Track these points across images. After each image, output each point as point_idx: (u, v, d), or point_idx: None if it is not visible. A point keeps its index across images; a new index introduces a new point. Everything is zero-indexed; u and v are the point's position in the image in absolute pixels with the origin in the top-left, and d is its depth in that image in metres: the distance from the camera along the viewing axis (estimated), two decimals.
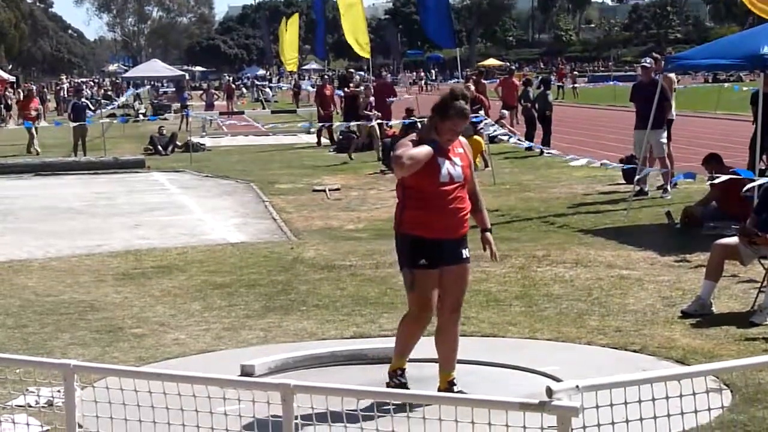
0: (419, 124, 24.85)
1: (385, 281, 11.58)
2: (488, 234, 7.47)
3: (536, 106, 27.47)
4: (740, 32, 15.93)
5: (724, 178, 13.34)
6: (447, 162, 7.09)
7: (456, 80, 45.40)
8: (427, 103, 39.42)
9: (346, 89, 33.99)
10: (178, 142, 31.32)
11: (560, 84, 61.91)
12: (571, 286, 11.08)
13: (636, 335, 8.97)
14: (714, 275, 9.78)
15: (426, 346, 8.08)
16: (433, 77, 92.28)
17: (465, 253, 7.25)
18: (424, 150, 6.98)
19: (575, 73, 77.07)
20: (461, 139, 7.36)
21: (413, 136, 7.23)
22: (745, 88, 36.07)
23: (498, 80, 39.34)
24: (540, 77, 34.05)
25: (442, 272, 7.14)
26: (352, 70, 49.67)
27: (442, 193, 7.06)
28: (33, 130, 31.66)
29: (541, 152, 21.92)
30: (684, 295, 10.31)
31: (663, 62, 18.03)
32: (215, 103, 52.05)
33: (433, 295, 7.15)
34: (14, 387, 6.17)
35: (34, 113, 32.54)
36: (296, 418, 4.42)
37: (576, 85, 64.80)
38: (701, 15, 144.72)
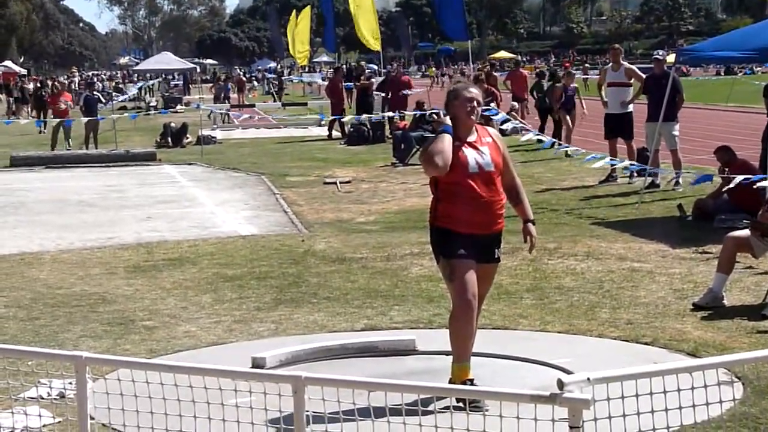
0: (428, 116, 24.88)
1: (396, 274, 11.57)
2: (530, 225, 7.41)
3: (546, 99, 27.41)
4: (752, 24, 15.88)
5: (737, 179, 13.28)
6: (474, 151, 7.02)
7: (468, 74, 45.35)
8: (440, 96, 39.33)
9: (357, 82, 33.96)
10: (188, 135, 31.33)
11: None
12: (583, 278, 11.06)
13: (647, 328, 8.96)
14: (726, 268, 9.76)
15: (438, 338, 8.10)
16: (443, 73, 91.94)
17: (497, 253, 7.22)
18: (442, 140, 6.95)
19: (587, 65, 76.72)
20: (490, 129, 7.31)
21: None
22: (756, 82, 36.01)
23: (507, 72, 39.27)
24: (548, 70, 33.92)
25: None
26: (363, 63, 49.67)
27: (473, 184, 6.97)
28: (61, 124, 30.62)
29: (552, 145, 21.83)
30: (696, 288, 10.29)
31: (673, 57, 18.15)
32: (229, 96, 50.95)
33: (474, 282, 7.03)
34: (26, 379, 6.18)
35: (63, 107, 31.86)
36: (307, 410, 4.43)
37: (587, 77, 64.53)
38: (713, 7, 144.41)
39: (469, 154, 7.00)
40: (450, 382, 7.07)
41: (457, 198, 6.99)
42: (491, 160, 7.06)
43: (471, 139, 7.08)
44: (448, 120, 7.10)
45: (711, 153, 15.90)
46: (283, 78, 70.48)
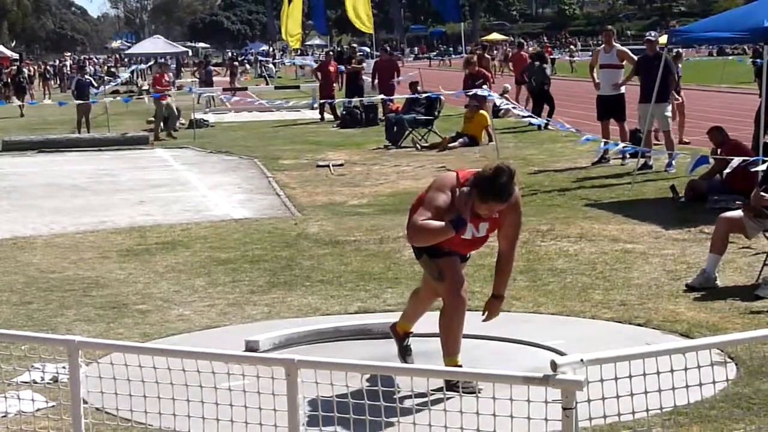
0: (422, 99, 24.86)
1: (389, 256, 11.57)
2: (496, 301, 7.27)
3: (533, 80, 27.41)
4: (744, 5, 15.85)
5: (735, 162, 13.26)
6: (473, 226, 6.85)
7: (461, 55, 45.30)
8: (433, 79, 39.21)
9: (347, 66, 33.90)
10: (182, 120, 31.25)
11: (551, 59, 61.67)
12: (576, 260, 11.07)
13: (640, 309, 8.97)
14: (719, 248, 9.77)
15: (431, 321, 8.08)
16: (441, 53, 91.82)
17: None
18: (444, 234, 6.68)
19: (572, 47, 76.62)
20: (516, 196, 6.89)
21: (446, 187, 6.76)
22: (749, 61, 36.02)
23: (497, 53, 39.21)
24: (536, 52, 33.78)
25: None
26: (354, 45, 49.50)
27: (460, 244, 6.92)
28: (169, 106, 29.22)
29: (544, 126, 21.82)
30: (689, 269, 10.30)
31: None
32: (214, 80, 48.55)
33: (463, 277, 7.04)
34: (19, 363, 6.17)
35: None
36: (300, 393, 4.43)
37: (573, 59, 64.44)
38: None
39: (469, 228, 6.82)
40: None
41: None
42: (487, 231, 6.98)
43: (483, 214, 6.83)
44: (467, 213, 6.67)
45: (704, 134, 15.91)
46: (275, 61, 70.41)
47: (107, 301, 10.05)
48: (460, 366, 6.97)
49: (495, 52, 61.15)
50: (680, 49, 19.92)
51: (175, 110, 29.29)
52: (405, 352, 7.61)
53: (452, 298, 7.00)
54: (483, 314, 7.31)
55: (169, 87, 31.35)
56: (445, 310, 7.07)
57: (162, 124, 29.01)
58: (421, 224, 6.67)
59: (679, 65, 21.91)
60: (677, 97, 20.80)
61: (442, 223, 6.64)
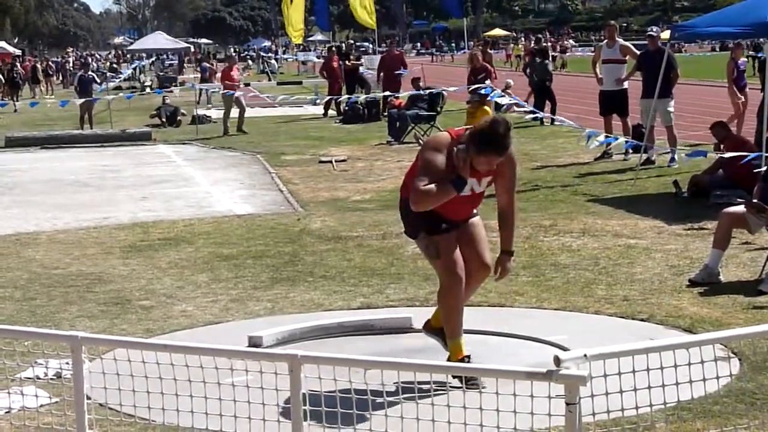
0: (424, 95, 24.84)
1: (392, 252, 11.57)
2: (507, 257, 7.20)
3: (534, 76, 27.40)
4: (747, 0, 15.83)
5: (735, 154, 13.27)
6: (474, 180, 6.85)
7: (463, 51, 45.27)
8: (435, 74, 39.27)
9: (347, 62, 33.91)
10: (183, 111, 31.26)
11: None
12: (579, 255, 11.07)
13: (643, 304, 8.97)
14: (722, 244, 9.77)
15: (428, 317, 8.07)
16: (444, 49, 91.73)
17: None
18: (446, 194, 6.69)
19: (566, 42, 76.41)
20: (510, 152, 6.94)
21: (441, 147, 6.73)
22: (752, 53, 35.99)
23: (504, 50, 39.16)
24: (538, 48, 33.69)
25: (457, 234, 7.02)
26: (351, 41, 49.41)
27: (458, 200, 6.86)
28: (238, 101, 28.32)
29: (548, 122, 21.85)
30: (692, 264, 10.30)
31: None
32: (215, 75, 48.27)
33: (460, 256, 6.99)
34: (23, 359, 6.18)
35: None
36: (303, 388, 4.43)
37: (564, 55, 64.06)
38: None
39: (468, 183, 6.80)
40: (448, 360, 7.07)
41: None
42: (485, 184, 6.97)
43: (481, 169, 6.83)
44: (467, 171, 6.72)
45: (707, 129, 15.90)
46: (278, 57, 70.33)
47: (110, 297, 10.05)
48: (467, 353, 6.97)
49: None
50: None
51: (243, 104, 28.61)
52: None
53: (448, 275, 6.99)
54: (495, 273, 7.22)
55: (238, 81, 30.93)
56: (444, 289, 7.08)
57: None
58: (423, 189, 6.66)
59: (743, 59, 21.71)
60: (740, 95, 20.58)
61: (445, 185, 6.65)
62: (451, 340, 7.06)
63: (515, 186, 7.20)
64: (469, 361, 6.95)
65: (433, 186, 6.65)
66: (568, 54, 65.03)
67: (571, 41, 78.24)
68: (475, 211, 7.20)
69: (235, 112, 28.14)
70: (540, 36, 42.57)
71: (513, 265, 7.27)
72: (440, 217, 6.92)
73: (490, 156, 6.68)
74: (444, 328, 7.13)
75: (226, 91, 28.43)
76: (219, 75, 34.55)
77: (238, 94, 28.26)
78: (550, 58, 30.86)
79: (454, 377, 6.18)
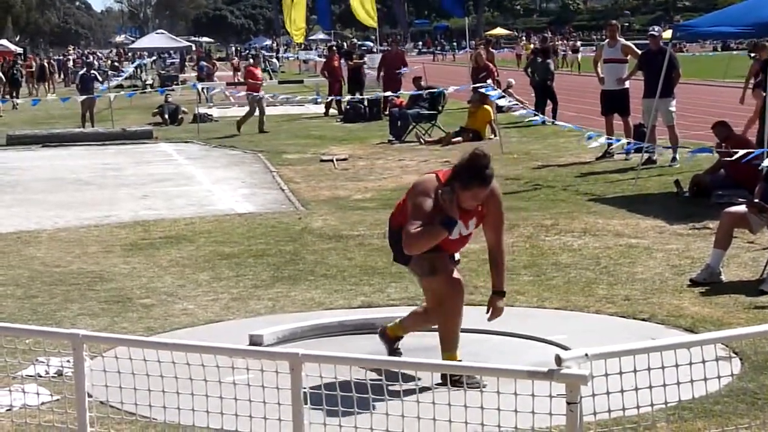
0: (425, 95, 24.83)
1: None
2: (497, 298, 7.22)
3: (536, 75, 27.41)
4: (749, 0, 15.83)
5: (735, 156, 13.26)
6: (462, 223, 6.89)
7: (465, 50, 45.22)
8: (437, 73, 39.11)
9: (349, 61, 33.91)
10: (185, 109, 31.29)
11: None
12: (580, 255, 11.07)
13: (645, 304, 8.96)
14: (723, 243, 9.76)
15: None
16: (446, 48, 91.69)
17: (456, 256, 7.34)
18: (437, 236, 6.75)
19: (577, 43, 76.16)
20: (494, 188, 6.92)
21: (429, 191, 6.76)
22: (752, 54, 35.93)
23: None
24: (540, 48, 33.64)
25: None
26: (355, 40, 49.40)
27: (447, 244, 6.95)
28: (260, 101, 28.15)
29: (551, 122, 21.85)
30: (693, 264, 10.29)
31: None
32: (216, 74, 46.53)
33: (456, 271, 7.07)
34: (24, 357, 6.17)
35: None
36: (304, 387, 4.43)
37: (576, 55, 63.76)
38: None
39: (456, 227, 6.84)
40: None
41: None
42: (473, 227, 7.04)
43: (469, 207, 6.87)
44: (455, 212, 6.74)
45: (708, 128, 15.89)
46: (279, 56, 70.29)
47: (111, 295, 10.05)
48: (460, 361, 6.94)
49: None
50: None
51: (264, 106, 28.31)
52: (395, 356, 7.48)
53: (450, 288, 6.99)
54: (487, 312, 7.26)
55: (262, 80, 30.66)
56: (447, 305, 7.04)
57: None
58: (415, 233, 6.71)
59: None
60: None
61: (435, 226, 6.70)
62: (448, 353, 7.04)
63: (503, 224, 7.19)
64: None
65: (425, 228, 6.71)
66: (579, 54, 64.32)
67: (579, 42, 77.84)
68: (457, 256, 7.33)
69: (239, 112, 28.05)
70: (546, 35, 42.17)
71: (504, 305, 7.26)
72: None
73: (476, 189, 6.71)
74: (441, 341, 7.09)
75: (250, 92, 28.32)
76: (242, 74, 34.00)
77: (261, 95, 28.21)
78: (552, 58, 30.76)
79: (452, 384, 6.12)
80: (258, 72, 30.11)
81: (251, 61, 34.16)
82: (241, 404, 4.85)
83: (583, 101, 26.22)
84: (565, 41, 72.90)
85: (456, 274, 7.06)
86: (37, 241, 13.08)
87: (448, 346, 7.05)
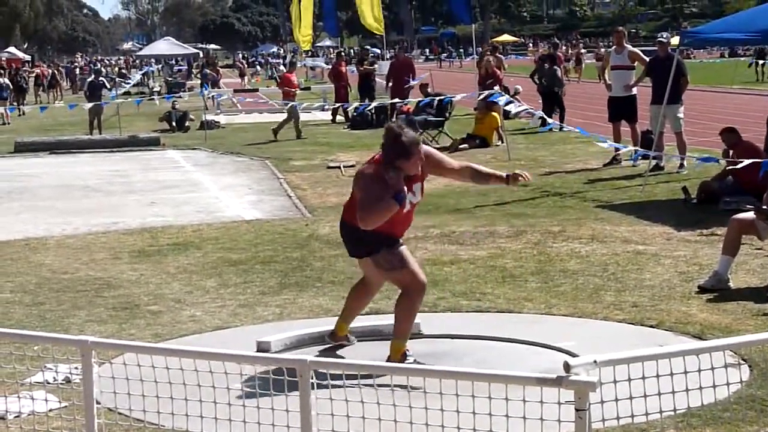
0: (436, 102, 24.83)
1: None
2: (513, 176, 7.69)
3: (543, 81, 27.41)
4: (757, 6, 15.83)
5: (744, 163, 13.24)
6: (410, 193, 7.38)
7: (472, 57, 45.23)
8: (443, 80, 39.13)
9: (360, 68, 33.91)
10: (192, 116, 31.34)
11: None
12: (587, 261, 11.05)
13: (653, 310, 8.95)
14: (731, 250, 9.74)
15: (442, 322, 8.10)
16: (452, 54, 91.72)
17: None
18: (390, 209, 7.22)
19: (581, 51, 75.85)
20: (424, 148, 7.55)
21: (373, 174, 7.35)
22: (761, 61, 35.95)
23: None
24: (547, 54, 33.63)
25: None
26: (367, 47, 49.45)
27: (399, 215, 7.39)
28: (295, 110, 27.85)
29: (559, 128, 21.87)
30: (701, 270, 10.28)
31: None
32: (221, 81, 47.11)
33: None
34: (32, 364, 6.19)
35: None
36: (312, 394, 4.43)
37: (579, 66, 63.28)
38: None
39: (407, 197, 7.33)
40: (388, 359, 7.41)
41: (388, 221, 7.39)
42: (420, 194, 7.58)
43: (414, 172, 7.41)
44: (402, 186, 7.26)
45: (716, 135, 15.87)
46: (286, 63, 70.31)
47: (119, 301, 10.06)
48: (407, 350, 7.50)
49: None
50: None
51: (298, 112, 28.09)
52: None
53: (417, 279, 7.50)
54: (518, 181, 7.67)
55: (297, 86, 30.76)
56: (411, 294, 7.53)
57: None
58: (369, 207, 7.21)
59: None
60: None
61: (387, 200, 7.19)
62: (401, 341, 7.53)
63: (447, 160, 7.82)
64: (407, 356, 7.48)
65: (378, 204, 7.21)
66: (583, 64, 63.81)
67: (583, 49, 77.49)
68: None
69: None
70: (556, 41, 42.01)
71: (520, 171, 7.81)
72: (392, 235, 7.47)
73: (415, 152, 7.27)
74: (397, 328, 7.58)
75: (287, 101, 28.33)
76: (280, 80, 33.92)
77: (295, 102, 28.24)
78: (561, 66, 30.72)
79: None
80: (294, 78, 30.22)
81: (283, 69, 34.13)
82: (249, 411, 4.85)
83: (590, 107, 26.22)
84: (570, 48, 72.53)
85: (421, 270, 7.63)
86: (44, 248, 13.10)
87: (401, 334, 7.56)
